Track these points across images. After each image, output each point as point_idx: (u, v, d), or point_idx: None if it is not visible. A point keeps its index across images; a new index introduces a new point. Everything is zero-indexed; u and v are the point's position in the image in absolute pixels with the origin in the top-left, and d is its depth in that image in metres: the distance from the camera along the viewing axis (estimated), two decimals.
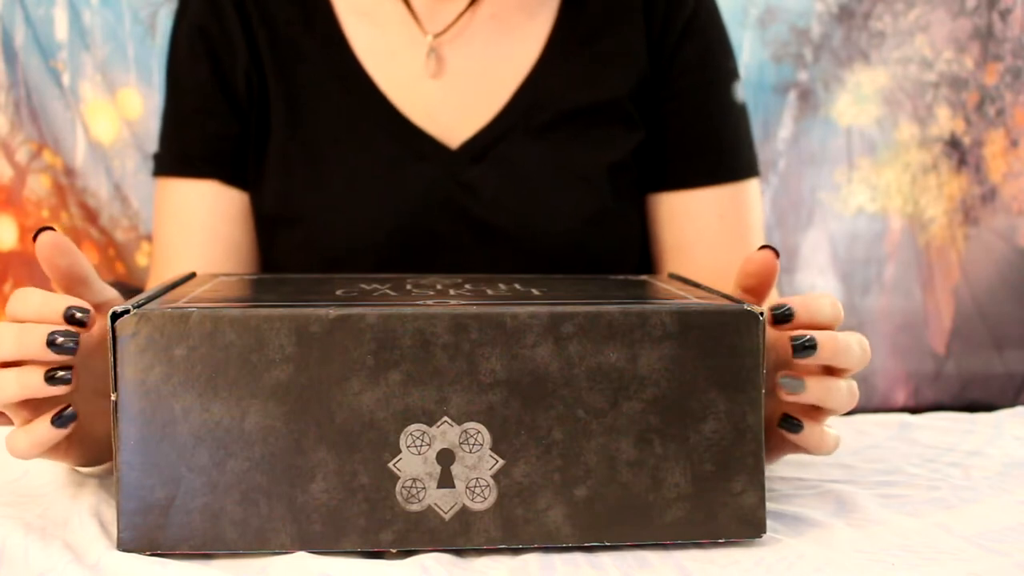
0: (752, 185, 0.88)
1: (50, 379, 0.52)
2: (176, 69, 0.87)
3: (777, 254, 0.60)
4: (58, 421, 0.53)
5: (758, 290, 0.61)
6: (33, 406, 0.54)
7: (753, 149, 0.89)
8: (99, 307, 0.56)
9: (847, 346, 0.56)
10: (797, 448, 0.60)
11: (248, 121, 0.85)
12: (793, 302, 0.57)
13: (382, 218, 0.81)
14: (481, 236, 0.82)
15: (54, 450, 0.56)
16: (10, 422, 0.55)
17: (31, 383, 0.52)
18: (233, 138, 0.85)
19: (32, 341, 0.51)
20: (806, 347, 0.55)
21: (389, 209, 0.82)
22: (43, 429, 0.53)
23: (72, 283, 0.56)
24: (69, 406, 0.53)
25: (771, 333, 0.60)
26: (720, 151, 0.87)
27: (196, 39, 0.85)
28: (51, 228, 0.55)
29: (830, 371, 0.58)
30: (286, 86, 0.84)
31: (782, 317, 0.56)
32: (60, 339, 0.51)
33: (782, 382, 0.56)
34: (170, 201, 0.85)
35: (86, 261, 0.57)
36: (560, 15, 0.86)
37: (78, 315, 0.52)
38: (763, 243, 0.88)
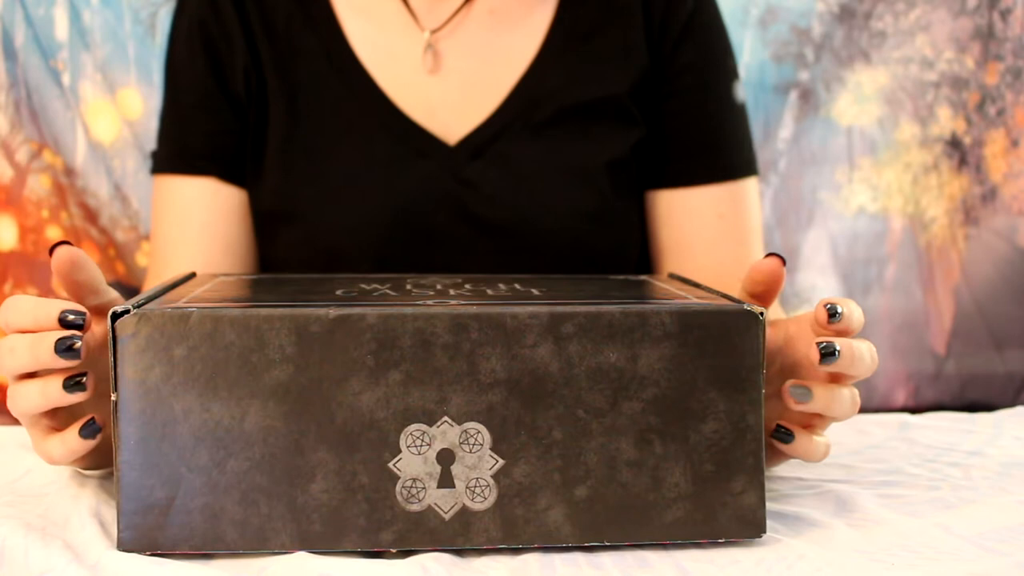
0: (751, 184, 0.88)
1: (68, 387, 0.52)
2: (175, 66, 0.87)
3: (784, 261, 0.60)
4: (84, 432, 0.54)
5: (764, 297, 0.61)
6: (52, 415, 0.55)
7: (752, 148, 0.89)
8: (106, 309, 0.56)
9: (861, 355, 0.56)
10: (790, 456, 0.60)
11: (246, 117, 0.85)
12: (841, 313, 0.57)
13: (381, 213, 0.81)
14: (480, 232, 0.82)
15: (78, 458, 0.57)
16: (11, 421, 0.55)
17: (51, 393, 0.53)
18: (232, 134, 0.85)
19: (43, 350, 0.52)
20: (832, 353, 0.55)
21: (388, 205, 0.82)
22: (72, 439, 0.54)
23: (84, 292, 0.57)
24: (92, 418, 0.54)
25: (776, 339, 0.60)
26: (719, 150, 0.87)
27: (195, 36, 0.85)
28: (67, 243, 0.56)
29: (834, 378, 0.58)
30: (285, 82, 0.84)
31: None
32: (66, 344, 0.51)
33: (792, 391, 0.56)
34: (168, 199, 0.85)
35: (98, 270, 0.58)
36: (558, 11, 0.86)
37: (70, 317, 0.52)
38: (761, 242, 0.89)
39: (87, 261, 0.56)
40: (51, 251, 0.55)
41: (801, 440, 0.58)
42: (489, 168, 0.82)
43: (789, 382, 0.57)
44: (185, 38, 0.86)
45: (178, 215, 0.85)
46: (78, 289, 0.57)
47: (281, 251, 0.85)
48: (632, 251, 0.87)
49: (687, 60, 0.86)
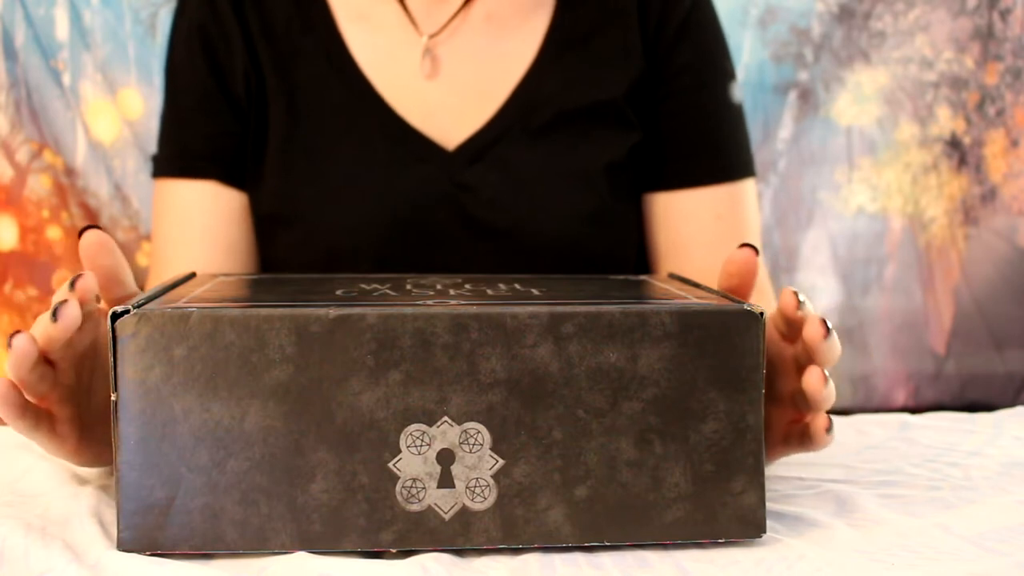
0: (748, 185, 0.88)
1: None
2: (174, 69, 0.87)
3: (756, 252, 0.60)
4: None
5: (740, 290, 0.61)
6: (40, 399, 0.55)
7: (749, 149, 0.89)
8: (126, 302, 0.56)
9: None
10: (796, 450, 0.60)
11: (247, 121, 0.85)
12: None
13: (380, 215, 0.81)
14: (478, 236, 0.82)
15: (62, 446, 0.56)
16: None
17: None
18: (232, 136, 0.85)
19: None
20: (830, 332, 0.55)
21: (387, 207, 0.82)
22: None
23: (110, 283, 0.57)
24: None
25: (774, 336, 0.60)
26: (716, 151, 0.87)
27: (194, 39, 0.85)
28: (96, 227, 0.56)
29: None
30: (284, 86, 0.84)
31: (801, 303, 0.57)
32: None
33: (829, 388, 0.56)
34: (169, 202, 0.85)
35: (125, 262, 0.58)
36: (555, 15, 0.86)
37: (57, 310, 0.52)
38: (760, 243, 0.89)
39: (114, 248, 0.56)
40: (80, 233, 0.56)
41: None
42: (488, 172, 0.82)
43: (816, 368, 0.56)
44: (184, 41, 0.86)
45: (179, 218, 0.85)
46: (102, 276, 0.56)
47: (281, 253, 0.85)
48: (630, 253, 0.87)
49: (684, 61, 0.86)
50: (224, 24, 0.84)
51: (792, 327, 0.59)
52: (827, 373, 0.56)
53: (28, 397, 0.54)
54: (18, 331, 0.51)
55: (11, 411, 0.53)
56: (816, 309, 1.14)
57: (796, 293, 0.57)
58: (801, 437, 0.59)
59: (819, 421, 0.57)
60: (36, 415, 0.54)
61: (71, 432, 0.57)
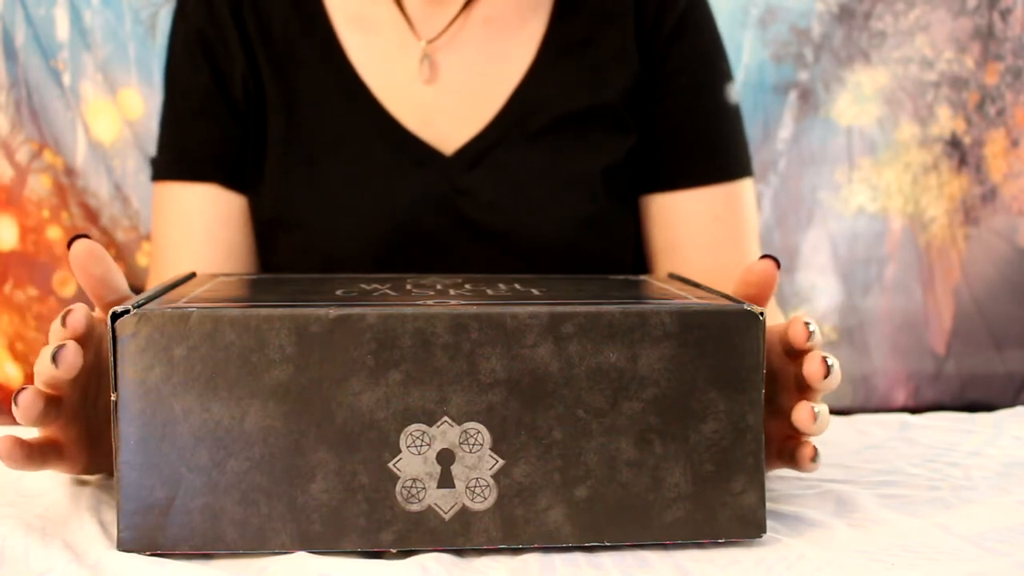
0: (746, 185, 0.87)
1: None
2: (174, 73, 0.87)
3: (778, 264, 0.60)
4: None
5: (757, 299, 0.60)
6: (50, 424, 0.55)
7: (747, 149, 0.89)
8: None
9: (838, 370, 0.56)
10: (787, 466, 0.60)
11: (246, 125, 0.85)
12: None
13: (378, 221, 0.81)
14: (477, 240, 0.82)
15: (72, 466, 0.56)
16: (11, 421, 0.55)
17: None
18: (232, 140, 0.85)
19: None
20: (830, 369, 0.55)
21: (386, 214, 0.82)
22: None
23: (103, 290, 0.57)
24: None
25: (777, 351, 0.60)
26: (713, 152, 0.87)
27: (193, 42, 0.85)
28: (86, 236, 0.55)
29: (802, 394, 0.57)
30: (283, 91, 0.84)
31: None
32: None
33: (819, 423, 0.55)
34: (169, 205, 0.85)
35: (117, 268, 0.57)
36: (553, 19, 0.86)
37: (56, 356, 0.51)
38: (757, 245, 0.89)
39: (104, 255, 0.56)
40: (69, 243, 0.55)
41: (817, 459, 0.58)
42: (487, 177, 0.82)
43: (805, 404, 0.55)
44: (183, 44, 0.86)
45: (180, 221, 0.85)
46: (94, 284, 0.56)
47: (281, 257, 0.85)
48: (627, 256, 0.87)
49: (680, 61, 0.86)
50: (222, 27, 0.84)
51: (794, 352, 0.58)
52: (817, 409, 0.55)
53: (38, 430, 0.54)
54: (24, 387, 0.51)
55: (17, 464, 0.53)
56: (816, 309, 1.15)
57: (808, 325, 0.56)
58: (792, 456, 0.58)
59: (804, 449, 0.57)
60: (42, 455, 0.54)
61: (79, 453, 0.57)
